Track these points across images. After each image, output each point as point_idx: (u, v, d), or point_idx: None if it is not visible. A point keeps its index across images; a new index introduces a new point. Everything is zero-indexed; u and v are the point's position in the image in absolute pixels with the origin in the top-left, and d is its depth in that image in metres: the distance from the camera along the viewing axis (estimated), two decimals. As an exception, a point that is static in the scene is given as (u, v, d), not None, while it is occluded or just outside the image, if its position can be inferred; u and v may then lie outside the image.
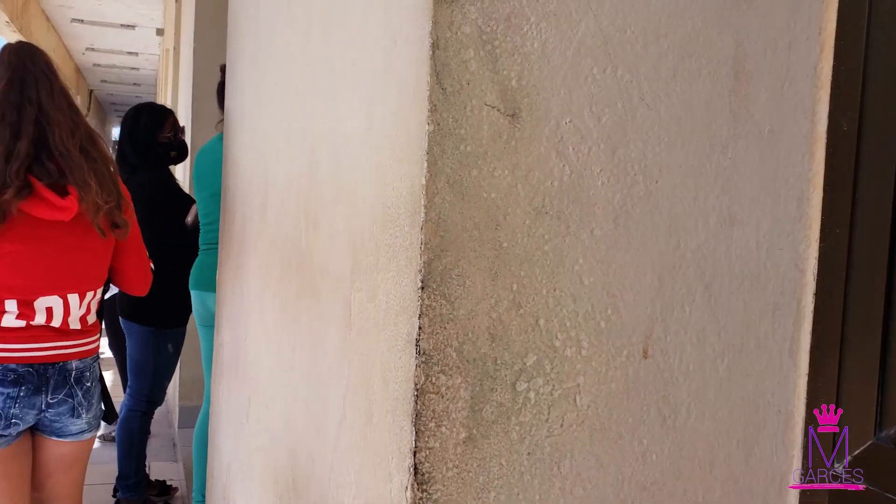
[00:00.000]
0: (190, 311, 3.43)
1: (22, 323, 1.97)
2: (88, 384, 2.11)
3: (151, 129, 3.24)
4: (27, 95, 1.95)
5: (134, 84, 22.39)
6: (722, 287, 0.90)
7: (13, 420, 1.96)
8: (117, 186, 2.07)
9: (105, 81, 22.15)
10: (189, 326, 3.52)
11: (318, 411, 1.17)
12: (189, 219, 3.30)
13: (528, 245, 0.80)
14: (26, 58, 2.01)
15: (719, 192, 0.90)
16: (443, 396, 0.78)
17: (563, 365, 0.82)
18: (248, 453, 1.81)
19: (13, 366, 1.96)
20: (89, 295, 2.09)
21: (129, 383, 3.33)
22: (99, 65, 19.42)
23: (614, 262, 0.84)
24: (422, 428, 0.77)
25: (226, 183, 2.67)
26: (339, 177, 1.13)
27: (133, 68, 19.97)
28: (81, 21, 15.79)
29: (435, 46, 0.77)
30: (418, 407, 0.77)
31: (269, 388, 1.61)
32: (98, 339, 2.18)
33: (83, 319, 2.09)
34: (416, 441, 0.77)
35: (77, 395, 2.07)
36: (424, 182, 0.77)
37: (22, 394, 1.96)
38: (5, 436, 1.97)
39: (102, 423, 3.27)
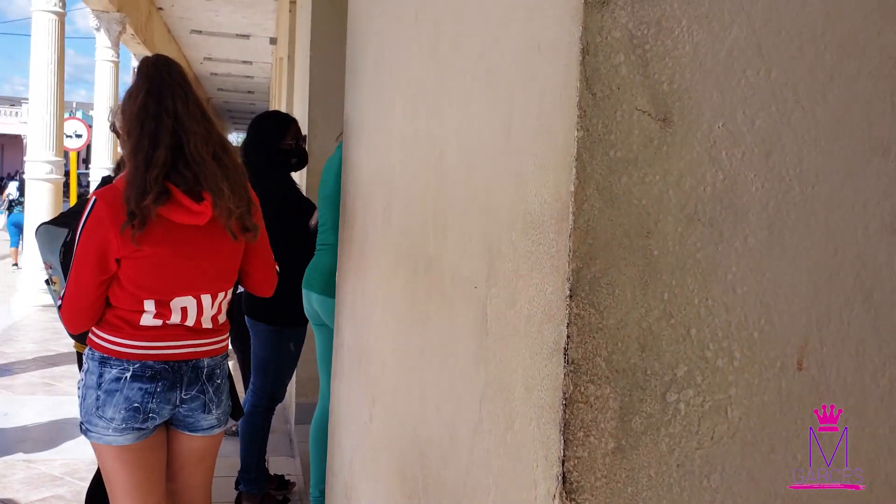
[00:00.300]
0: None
1: (159, 322, 2.08)
2: (218, 381, 2.21)
3: (274, 136, 3.36)
4: (164, 106, 2.05)
5: (248, 92, 23.32)
6: (883, 297, 0.85)
7: (150, 414, 2.07)
8: (247, 192, 2.16)
9: (221, 90, 23.19)
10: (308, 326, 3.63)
11: (450, 415, 1.18)
12: (312, 222, 3.41)
13: (679, 253, 0.78)
14: (163, 70, 2.12)
15: (880, 197, 0.85)
16: (591, 406, 0.77)
17: (715, 376, 0.80)
18: (373, 452, 1.85)
19: (151, 363, 2.07)
20: (221, 295, 2.18)
21: (252, 380, 3.46)
22: (216, 73, 20.34)
23: (768, 270, 0.81)
24: (570, 437, 0.76)
25: (345, 187, 2.74)
26: (471, 183, 1.13)
27: (247, 77, 20.83)
28: (200, 32, 16.60)
29: (585, 52, 0.76)
30: (567, 416, 0.76)
31: (395, 388, 1.64)
32: (227, 338, 2.28)
33: (214, 319, 2.19)
34: (564, 450, 0.76)
35: (208, 392, 2.17)
36: (573, 189, 0.76)
37: (158, 389, 2.07)
38: (143, 429, 2.09)
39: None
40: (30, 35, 8.98)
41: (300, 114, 5.41)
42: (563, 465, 0.77)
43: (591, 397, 0.77)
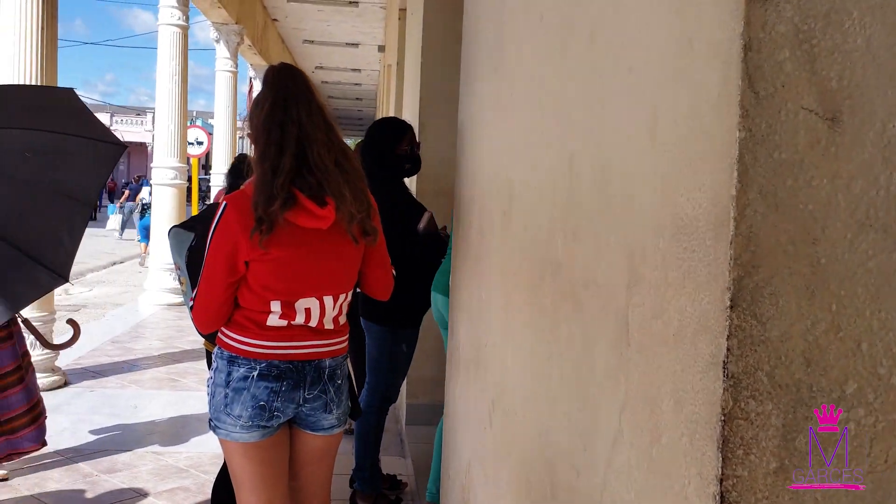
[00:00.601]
0: (421, 313, 3.58)
1: (284, 323, 2.14)
2: (339, 381, 2.25)
3: (390, 142, 3.41)
4: (289, 114, 2.11)
5: (356, 99, 23.87)
6: None
7: (275, 412, 2.13)
8: (367, 196, 2.20)
9: (331, 97, 23.85)
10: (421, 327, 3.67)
11: (584, 425, 1.15)
12: (420, 225, 3.44)
13: (849, 261, 0.73)
14: (288, 79, 2.18)
15: None
16: (752, 423, 0.72)
17: (889, 394, 0.74)
18: (494, 458, 1.83)
19: (276, 362, 2.13)
20: (342, 297, 2.23)
21: (367, 380, 3.52)
22: (326, 82, 20.93)
23: (950, 280, 0.74)
24: (729, 455, 0.72)
25: (459, 192, 2.75)
26: (608, 187, 1.10)
27: (356, 84, 21.33)
28: (312, 42, 17.12)
29: (747, 48, 0.72)
30: (725, 433, 0.72)
31: (518, 395, 1.62)
32: (347, 339, 2.32)
33: (336, 320, 2.24)
34: (722, 468, 0.72)
35: (329, 392, 2.21)
36: (734, 193, 0.72)
37: (283, 388, 2.13)
38: (268, 427, 2.15)
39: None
40: (154, 48, 9.48)
41: (410, 119, 5.47)
42: (720, 483, 0.73)
43: (752, 413, 0.73)
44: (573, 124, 1.31)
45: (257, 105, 2.17)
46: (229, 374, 2.13)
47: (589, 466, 1.11)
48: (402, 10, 8.12)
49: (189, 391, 5.53)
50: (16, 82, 4.87)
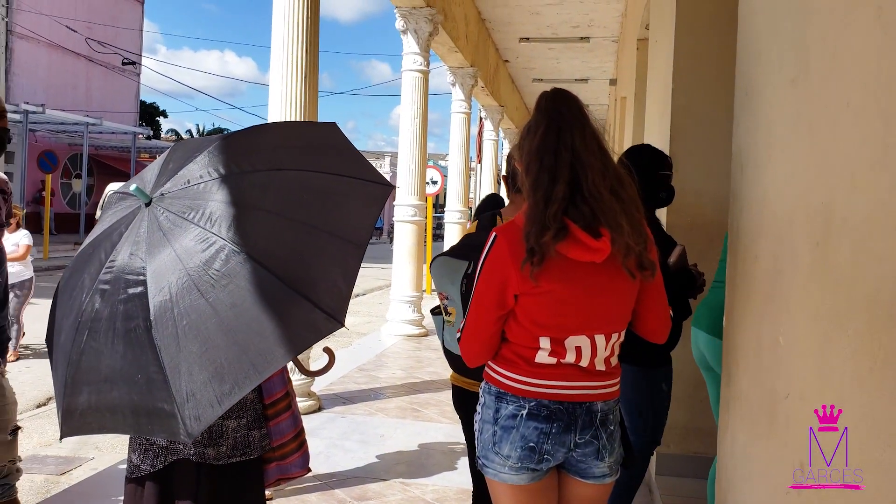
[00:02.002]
0: (671, 348, 3.33)
1: (553, 360, 2.03)
2: (612, 427, 2.09)
3: (651, 165, 3.24)
4: (563, 140, 2.01)
5: (584, 134, 23.75)
6: None
7: (545, 455, 2.02)
8: (644, 227, 2.04)
9: (559, 133, 23.92)
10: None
11: None
12: (671, 259, 3.21)
13: None
14: (561, 104, 2.09)
15: None
16: None
17: None
18: (807, 530, 1.57)
19: (546, 402, 2.02)
20: (614, 336, 2.07)
21: (626, 423, 3.32)
22: (555, 118, 21.05)
23: None
24: None
25: (737, 221, 2.49)
26: None
27: (583, 119, 21.23)
28: (541, 80, 17.32)
29: None
30: None
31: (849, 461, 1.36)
32: (619, 382, 2.16)
33: (607, 361, 2.08)
34: None
35: (602, 438, 2.06)
36: None
37: (553, 430, 2.01)
38: (537, 470, 2.04)
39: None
40: (389, 96, 10.07)
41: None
42: None
43: None
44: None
45: (529, 131, 2.09)
46: (497, 410, 2.05)
47: None
48: (641, 41, 7.92)
49: (431, 422, 5.61)
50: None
